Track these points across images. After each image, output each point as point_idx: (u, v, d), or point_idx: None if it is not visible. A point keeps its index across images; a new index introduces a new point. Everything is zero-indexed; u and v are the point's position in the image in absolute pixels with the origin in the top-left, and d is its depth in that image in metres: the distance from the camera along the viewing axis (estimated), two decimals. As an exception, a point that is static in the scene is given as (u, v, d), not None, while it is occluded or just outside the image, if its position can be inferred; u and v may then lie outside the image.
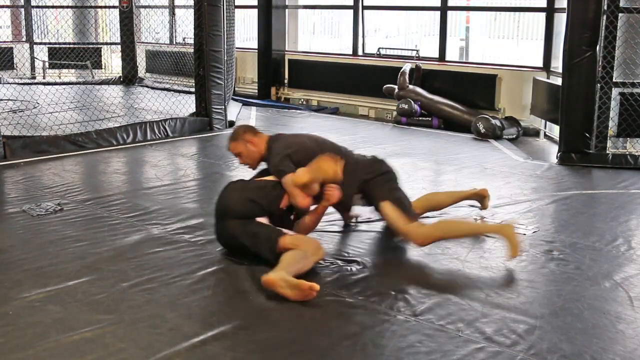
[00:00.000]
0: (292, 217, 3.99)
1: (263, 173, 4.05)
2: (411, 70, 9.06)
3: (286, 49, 10.97)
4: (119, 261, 3.76)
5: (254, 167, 4.11)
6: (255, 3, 10.82)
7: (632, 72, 6.53)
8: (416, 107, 8.67)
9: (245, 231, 3.70)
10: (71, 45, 12.63)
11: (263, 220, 3.76)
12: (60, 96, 8.94)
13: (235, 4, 9.34)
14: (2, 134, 6.37)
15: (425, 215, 4.49)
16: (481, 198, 4.82)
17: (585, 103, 6.46)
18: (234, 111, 9.27)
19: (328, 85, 10.32)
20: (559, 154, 6.67)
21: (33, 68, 12.67)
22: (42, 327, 2.96)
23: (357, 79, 9.94)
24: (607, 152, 6.54)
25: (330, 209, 4.10)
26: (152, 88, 10.98)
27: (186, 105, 8.57)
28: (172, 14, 12.39)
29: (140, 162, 6.50)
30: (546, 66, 8.37)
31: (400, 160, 6.48)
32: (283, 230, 3.70)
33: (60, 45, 12.66)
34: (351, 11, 10.27)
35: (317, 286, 3.20)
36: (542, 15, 8.61)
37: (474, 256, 3.93)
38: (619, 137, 6.67)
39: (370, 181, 4.03)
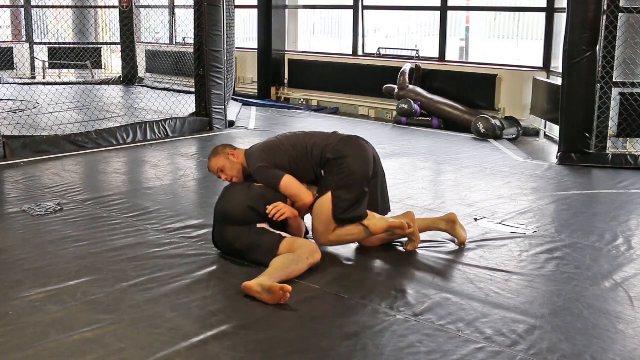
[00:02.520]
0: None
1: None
2: (411, 70, 9.06)
3: (286, 49, 10.98)
4: (119, 261, 3.76)
5: (239, 180, 4.02)
6: (255, 3, 10.83)
7: (632, 72, 6.53)
8: (416, 107, 8.67)
9: (244, 239, 3.70)
10: (71, 45, 12.63)
11: (263, 225, 3.75)
12: (60, 96, 8.95)
13: (235, 4, 9.34)
14: (2, 134, 6.37)
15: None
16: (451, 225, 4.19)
17: (585, 103, 6.46)
18: (234, 111, 9.27)
19: (328, 85, 10.32)
20: (559, 154, 6.67)
21: (33, 68, 12.67)
22: (42, 327, 2.96)
23: (357, 79, 9.94)
24: (607, 152, 6.54)
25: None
26: (152, 88, 10.99)
27: (186, 105, 8.57)
28: (172, 14, 12.39)
29: (140, 162, 6.50)
30: (546, 66, 8.37)
31: (400, 160, 6.49)
32: (283, 235, 3.71)
33: (60, 45, 12.67)
34: (351, 11, 10.27)
35: (288, 287, 3.19)
36: (542, 15, 8.61)
37: (473, 256, 3.93)
38: (619, 137, 6.67)
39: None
